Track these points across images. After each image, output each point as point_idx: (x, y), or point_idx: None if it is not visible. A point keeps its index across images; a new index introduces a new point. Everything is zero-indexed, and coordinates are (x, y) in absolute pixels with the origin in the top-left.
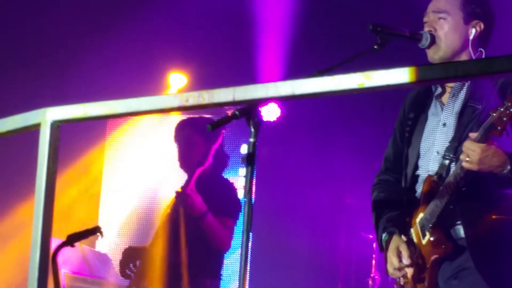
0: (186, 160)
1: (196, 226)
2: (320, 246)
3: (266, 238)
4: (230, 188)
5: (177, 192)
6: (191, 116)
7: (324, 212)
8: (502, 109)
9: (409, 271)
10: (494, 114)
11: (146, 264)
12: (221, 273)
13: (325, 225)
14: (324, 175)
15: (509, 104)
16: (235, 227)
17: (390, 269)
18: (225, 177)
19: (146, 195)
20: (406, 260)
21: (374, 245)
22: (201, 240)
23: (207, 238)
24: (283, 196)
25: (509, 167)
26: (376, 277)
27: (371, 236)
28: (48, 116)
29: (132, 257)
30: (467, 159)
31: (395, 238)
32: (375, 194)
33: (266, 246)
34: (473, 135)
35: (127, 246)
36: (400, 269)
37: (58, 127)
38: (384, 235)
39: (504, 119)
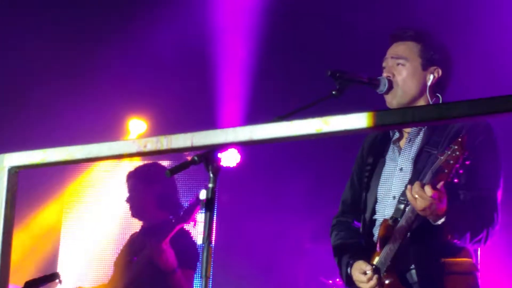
0: (135, 209)
1: (162, 280)
2: None
3: (225, 283)
4: (190, 238)
5: (150, 244)
6: (138, 165)
7: (283, 257)
8: (449, 152)
9: None
10: (441, 158)
11: None
12: None
13: (284, 270)
14: (283, 220)
15: (456, 147)
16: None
17: (363, 282)
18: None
19: (105, 241)
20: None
21: None
22: None
23: None
24: (243, 241)
25: (443, 219)
26: None
27: (330, 282)
28: (6, 162)
29: None
30: (414, 202)
31: (358, 262)
32: (334, 235)
33: None
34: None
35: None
36: (372, 277)
37: (16, 172)
38: (348, 268)
39: (451, 162)
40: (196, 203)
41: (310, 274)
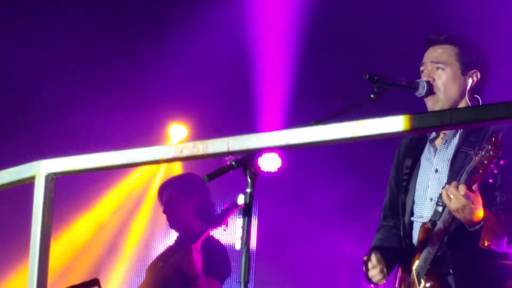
0: (172, 221)
1: (185, 284)
2: None
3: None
4: (219, 247)
5: (183, 245)
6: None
7: (325, 262)
8: (483, 153)
9: None
10: (476, 158)
11: None
12: None
13: (326, 276)
14: (323, 225)
15: (489, 147)
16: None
17: (373, 272)
18: (213, 236)
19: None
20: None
21: None
22: None
23: None
24: (285, 247)
25: (478, 226)
26: None
27: (372, 286)
28: (43, 168)
29: None
30: (449, 202)
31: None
32: (375, 237)
33: None
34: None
35: None
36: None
37: (53, 179)
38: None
39: (485, 162)
40: (230, 208)
41: (351, 279)
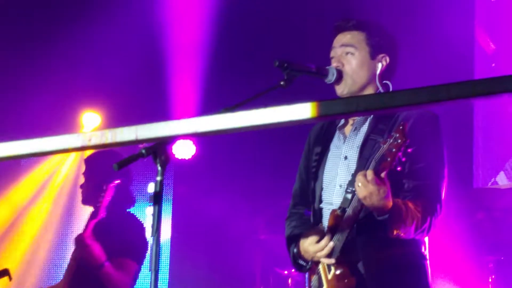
0: (86, 196)
1: (94, 275)
2: (237, 283)
3: (181, 275)
4: (131, 228)
5: (75, 240)
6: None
7: (239, 249)
8: (391, 141)
9: None
10: (384, 146)
11: None
12: None
13: (240, 262)
14: (238, 212)
15: (397, 135)
16: (139, 267)
17: (310, 247)
18: (129, 216)
19: (57, 237)
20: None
21: (290, 280)
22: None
23: (104, 286)
24: (200, 234)
25: (387, 216)
26: None
27: (286, 272)
28: None
29: None
30: (357, 190)
31: (305, 234)
32: (287, 226)
33: (182, 282)
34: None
35: None
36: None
37: None
38: (294, 249)
39: (394, 150)
40: (101, 198)
41: (265, 265)
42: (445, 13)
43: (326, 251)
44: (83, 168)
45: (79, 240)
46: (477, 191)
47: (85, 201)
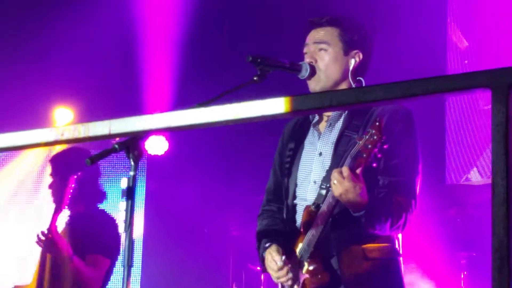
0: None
1: (61, 271)
2: (209, 279)
3: (153, 271)
4: (102, 223)
5: (38, 237)
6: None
7: (211, 244)
8: (367, 137)
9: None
10: (360, 142)
11: None
12: None
13: (212, 258)
14: (211, 208)
15: (373, 131)
16: (112, 262)
17: (273, 270)
18: (100, 212)
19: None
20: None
21: (262, 276)
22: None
23: (75, 281)
24: (172, 230)
25: (363, 212)
26: None
27: (258, 268)
28: None
29: None
30: (333, 187)
31: (272, 247)
32: (258, 223)
33: (155, 278)
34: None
35: (13, 286)
36: (282, 268)
37: None
38: (263, 252)
39: (369, 146)
40: (63, 188)
41: (238, 261)
42: (418, 9)
43: (284, 279)
44: (48, 170)
45: (44, 235)
46: (449, 187)
47: (55, 199)
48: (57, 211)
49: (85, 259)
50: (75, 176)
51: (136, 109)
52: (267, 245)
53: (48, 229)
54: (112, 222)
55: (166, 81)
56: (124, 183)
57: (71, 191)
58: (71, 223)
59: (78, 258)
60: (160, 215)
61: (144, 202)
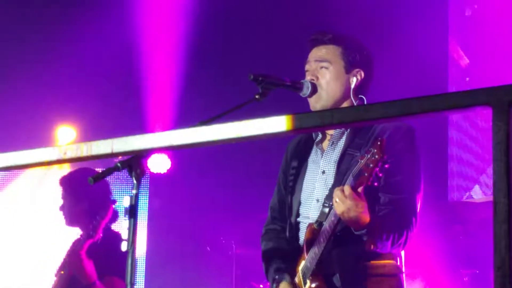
0: (70, 218)
1: None
2: None
3: None
4: (118, 245)
5: (68, 256)
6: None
7: (214, 262)
8: (368, 156)
9: None
10: (361, 161)
11: None
12: None
13: (216, 275)
14: (214, 226)
15: (375, 150)
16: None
17: None
18: (115, 233)
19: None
20: None
21: None
22: None
23: None
24: (176, 248)
25: (364, 230)
26: None
27: (261, 286)
28: None
29: None
30: (335, 205)
31: (283, 284)
32: (263, 244)
33: None
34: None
35: None
36: None
37: None
38: (274, 285)
39: (371, 165)
40: (101, 219)
41: (241, 279)
42: (419, 27)
43: None
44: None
45: (72, 257)
46: (452, 205)
47: (71, 223)
48: (89, 237)
49: (103, 281)
50: (111, 209)
51: (138, 128)
52: (277, 277)
53: (79, 251)
54: (116, 240)
55: (168, 99)
56: (126, 201)
57: (84, 212)
58: (91, 245)
59: (100, 283)
60: (163, 233)
61: (147, 220)
